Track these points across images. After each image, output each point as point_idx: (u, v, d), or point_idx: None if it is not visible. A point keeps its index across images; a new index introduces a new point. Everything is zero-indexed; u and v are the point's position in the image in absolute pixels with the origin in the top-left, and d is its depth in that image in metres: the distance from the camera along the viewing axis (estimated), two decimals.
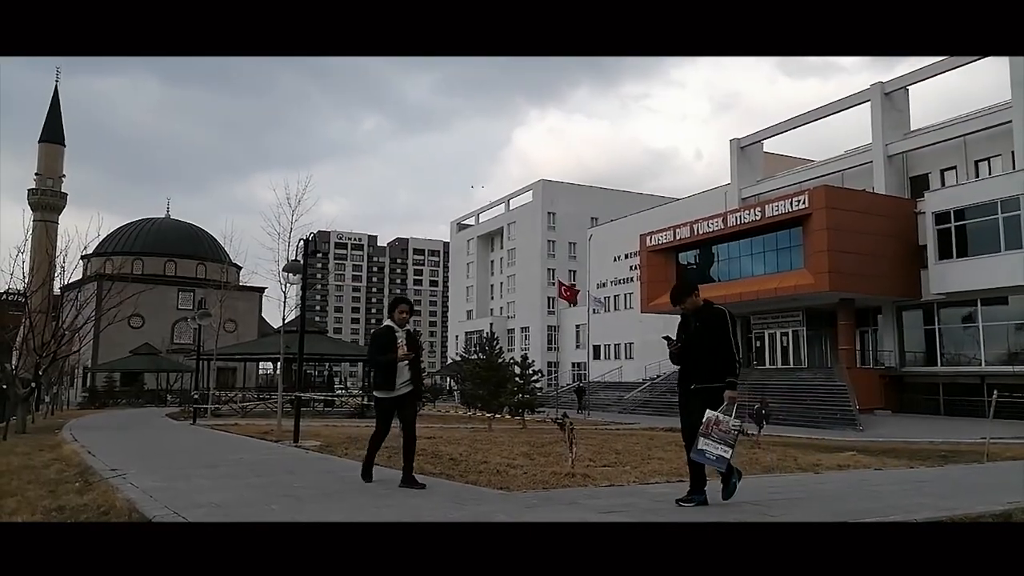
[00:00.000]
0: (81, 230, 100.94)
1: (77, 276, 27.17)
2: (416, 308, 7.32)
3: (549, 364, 61.99)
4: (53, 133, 64.66)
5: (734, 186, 44.45)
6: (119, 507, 5.34)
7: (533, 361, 33.34)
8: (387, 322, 6.76)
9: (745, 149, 44.42)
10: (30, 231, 24.71)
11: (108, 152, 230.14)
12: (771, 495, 6.40)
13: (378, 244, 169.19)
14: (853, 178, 37.58)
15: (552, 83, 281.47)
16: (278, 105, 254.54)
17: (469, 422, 24.28)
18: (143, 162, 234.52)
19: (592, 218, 62.64)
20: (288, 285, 19.04)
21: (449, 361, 72.55)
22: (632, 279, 50.40)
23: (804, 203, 32.90)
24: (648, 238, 42.79)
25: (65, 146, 66.26)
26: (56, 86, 74.81)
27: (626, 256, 51.97)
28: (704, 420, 5.27)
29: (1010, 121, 30.50)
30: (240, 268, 45.41)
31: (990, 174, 31.73)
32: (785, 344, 38.74)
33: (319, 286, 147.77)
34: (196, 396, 28.55)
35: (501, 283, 75.20)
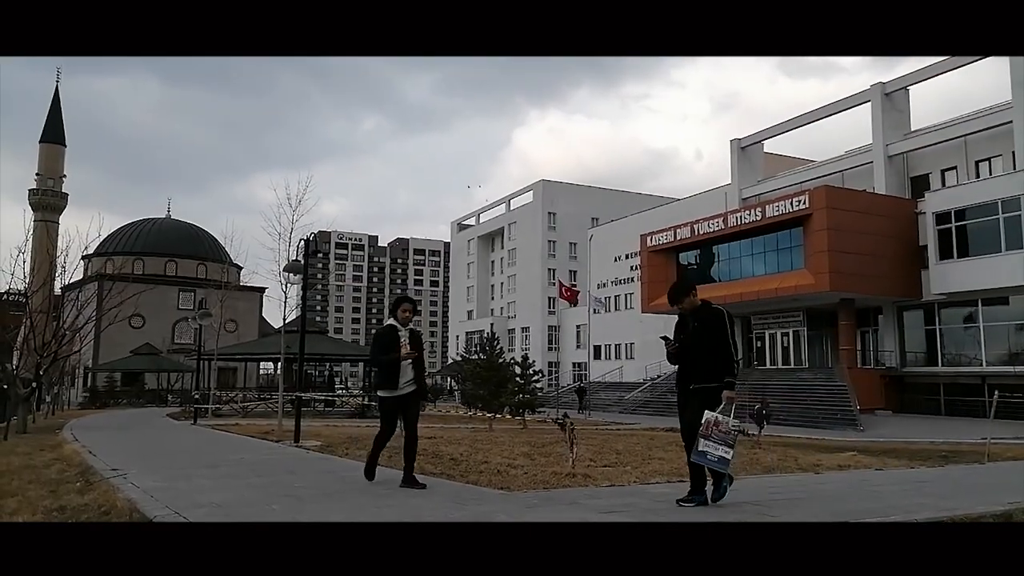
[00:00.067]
0: (82, 230, 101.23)
1: (78, 276, 27.25)
2: (417, 308, 7.25)
3: (550, 364, 62.02)
4: (54, 133, 64.67)
5: (734, 186, 44.44)
6: (120, 507, 5.34)
7: (534, 361, 33.34)
8: (390, 321, 6.74)
9: (745, 149, 44.42)
10: (31, 231, 24.66)
11: (108, 152, 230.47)
12: (771, 495, 6.40)
13: (378, 244, 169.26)
14: (853, 178, 37.58)
15: (552, 83, 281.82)
16: (278, 105, 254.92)
17: (470, 422, 24.28)
18: (143, 162, 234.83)
19: (592, 218, 62.65)
20: (289, 285, 19.04)
21: (450, 361, 72.56)
22: (633, 279, 50.41)
23: (804, 203, 32.90)
24: (648, 238, 42.80)
25: (66, 146, 66.28)
26: (57, 86, 75.02)
27: (626, 256, 51.97)
28: (704, 421, 5.27)
29: (1011, 121, 30.49)
30: (241, 268, 45.46)
31: (991, 174, 31.72)
32: (786, 344, 38.74)
33: (320, 286, 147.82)
34: (197, 396, 28.58)
35: (502, 283, 75.22)
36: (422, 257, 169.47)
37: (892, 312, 34.60)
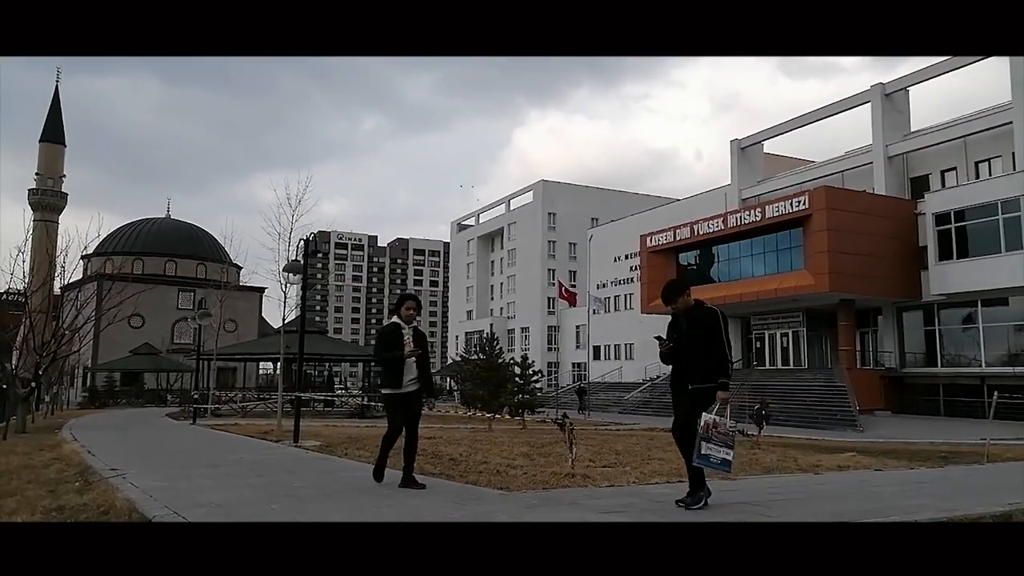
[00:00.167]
0: (81, 230, 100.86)
1: (77, 276, 27.19)
2: (421, 306, 7.19)
3: (549, 364, 62.01)
4: (53, 133, 64.69)
5: (734, 187, 44.45)
6: (119, 507, 5.34)
7: (533, 361, 33.34)
8: (393, 319, 6.71)
9: (745, 150, 44.44)
10: (30, 231, 24.69)
11: (108, 152, 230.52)
12: (771, 495, 6.40)
13: (378, 244, 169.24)
14: (853, 179, 37.59)
15: (552, 83, 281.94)
16: (278, 105, 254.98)
17: (469, 422, 24.27)
18: (143, 162, 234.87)
19: (592, 218, 62.66)
20: (288, 285, 19.05)
21: (449, 361, 72.55)
22: (632, 280, 50.42)
23: (804, 204, 32.92)
24: (648, 239, 42.81)
25: (65, 146, 66.33)
26: (57, 86, 74.99)
27: (626, 257, 51.98)
28: (703, 424, 5.25)
29: (1011, 122, 30.50)
30: (240, 268, 45.46)
31: (990, 175, 31.75)
32: (785, 345, 38.75)
33: (319, 286, 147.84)
34: (196, 396, 28.57)
35: (501, 283, 75.22)
36: (422, 257, 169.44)
37: (892, 313, 34.61)
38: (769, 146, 45.01)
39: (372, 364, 38.74)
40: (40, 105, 74.02)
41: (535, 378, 29.81)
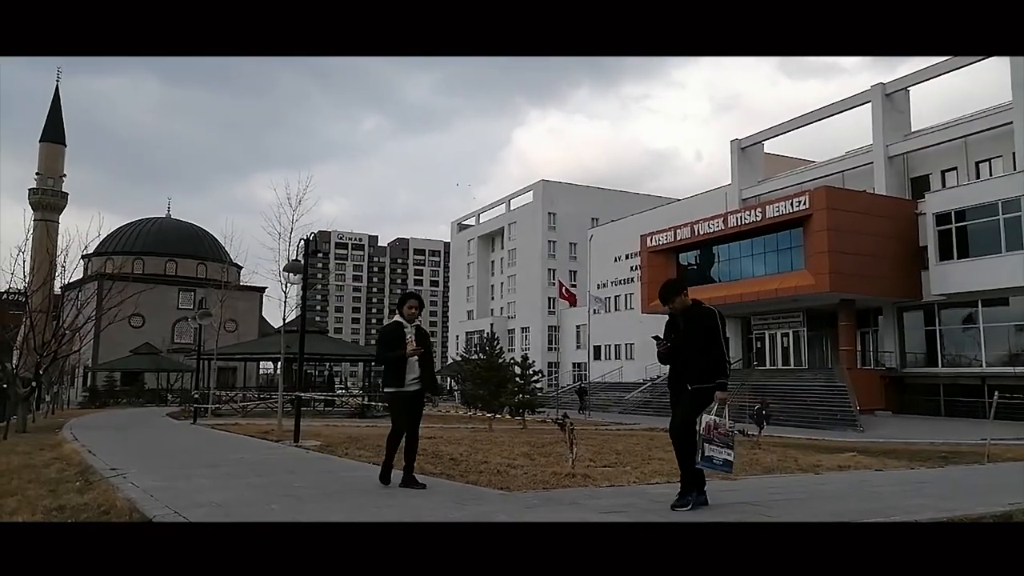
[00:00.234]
0: (82, 230, 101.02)
1: (78, 276, 27.23)
2: (423, 304, 7.17)
3: (549, 364, 62.00)
4: (54, 133, 64.68)
5: (735, 187, 44.44)
6: (119, 507, 5.34)
7: (533, 361, 33.33)
8: (396, 317, 6.70)
9: (746, 150, 44.43)
10: (31, 231, 24.59)
11: (108, 152, 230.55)
12: (771, 495, 6.40)
13: (379, 244, 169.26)
14: (854, 179, 37.58)
15: (552, 83, 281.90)
16: (278, 105, 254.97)
17: (469, 422, 24.28)
18: (143, 162, 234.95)
19: (592, 218, 62.65)
20: (289, 285, 19.05)
21: (450, 361, 72.55)
22: (633, 280, 50.42)
23: (805, 204, 32.91)
24: (649, 239, 42.80)
25: (66, 146, 66.30)
26: (57, 86, 75.04)
27: (627, 257, 51.98)
28: (704, 426, 5.25)
29: (1011, 122, 30.48)
30: (241, 268, 45.46)
31: (991, 175, 31.74)
32: (786, 345, 38.74)
33: (320, 286, 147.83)
34: (196, 396, 28.57)
35: (501, 283, 75.21)
36: (422, 257, 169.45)
37: (892, 313, 34.61)
38: (769, 146, 45.01)
39: (372, 364, 38.78)
40: (40, 105, 74.13)
41: (535, 378, 29.81)
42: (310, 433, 15.20)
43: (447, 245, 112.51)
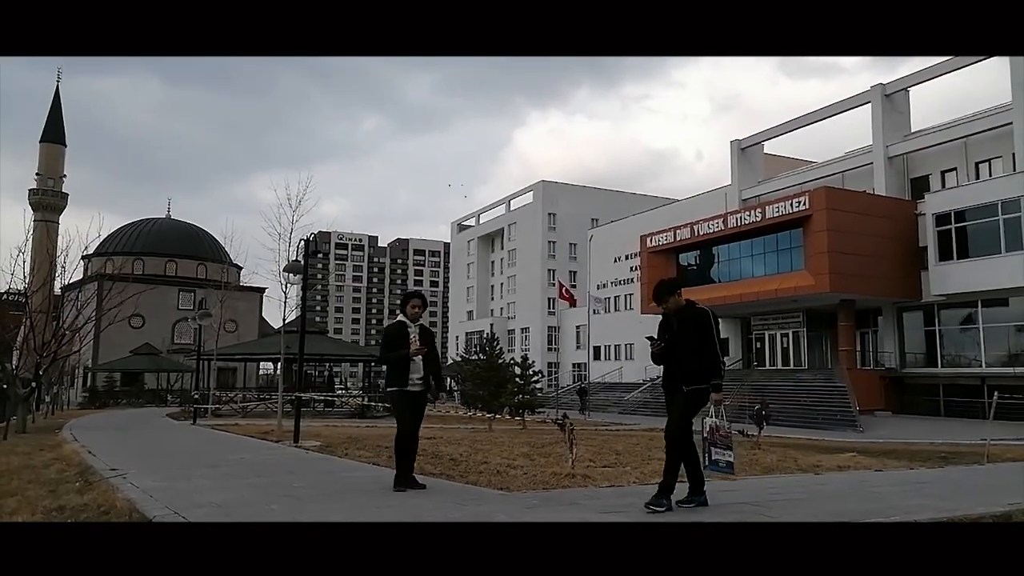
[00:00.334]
0: (82, 230, 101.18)
1: (78, 276, 27.25)
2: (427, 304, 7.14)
3: (549, 365, 61.99)
4: (54, 133, 64.68)
5: (734, 187, 44.45)
6: (119, 507, 5.34)
7: (533, 362, 33.32)
8: (399, 317, 6.69)
9: (746, 150, 44.44)
10: (31, 231, 24.62)
11: (108, 152, 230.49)
12: (771, 496, 6.40)
13: (378, 245, 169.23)
14: (853, 179, 37.59)
15: (552, 83, 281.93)
16: (278, 105, 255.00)
17: (469, 422, 24.28)
18: (143, 162, 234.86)
19: (593, 219, 62.63)
20: (289, 285, 19.09)
21: (450, 362, 72.57)
22: (633, 280, 50.42)
23: (804, 204, 32.91)
24: (648, 239, 42.80)
25: (66, 146, 66.28)
26: (57, 86, 75.09)
27: (627, 257, 51.98)
28: (708, 429, 5.25)
29: (1011, 123, 30.49)
30: (241, 268, 45.47)
31: (991, 175, 31.75)
32: (785, 345, 38.74)
33: (319, 286, 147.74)
34: (196, 396, 28.58)
35: (501, 284, 75.22)
36: (422, 257, 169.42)
37: (892, 313, 34.61)
38: (769, 146, 45.01)
39: (372, 364, 38.78)
40: (40, 105, 74.16)
41: (535, 378, 29.80)
42: (310, 433, 15.19)
43: (447, 245, 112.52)
